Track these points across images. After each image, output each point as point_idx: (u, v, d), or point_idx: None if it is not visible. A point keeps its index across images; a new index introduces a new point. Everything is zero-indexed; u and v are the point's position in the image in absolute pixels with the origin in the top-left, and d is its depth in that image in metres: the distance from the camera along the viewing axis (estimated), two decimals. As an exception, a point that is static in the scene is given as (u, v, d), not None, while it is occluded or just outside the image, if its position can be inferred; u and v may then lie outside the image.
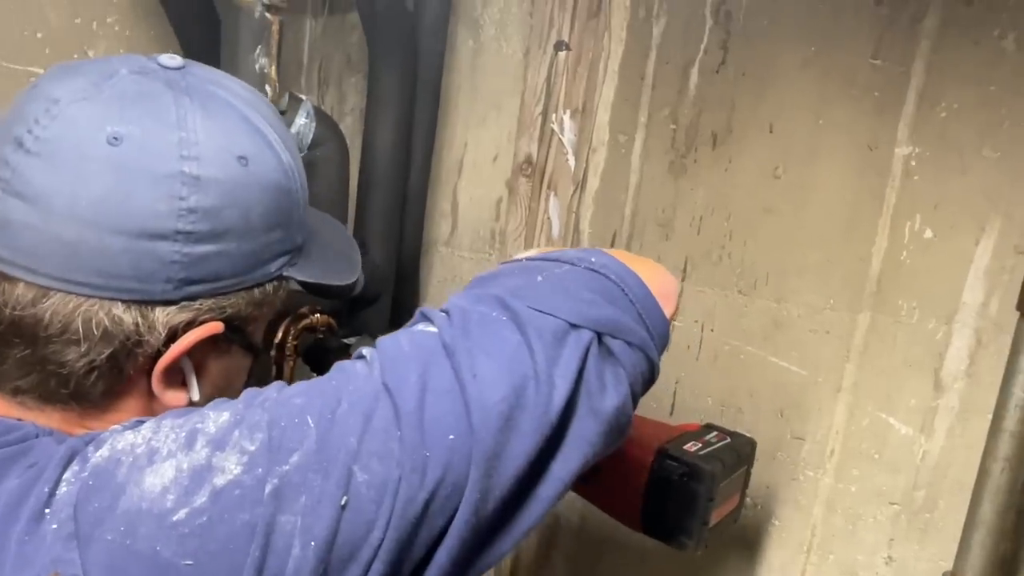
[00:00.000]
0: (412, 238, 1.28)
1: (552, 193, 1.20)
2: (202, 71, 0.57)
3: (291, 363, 1.14)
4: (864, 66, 0.95)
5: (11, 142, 0.50)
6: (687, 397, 1.12)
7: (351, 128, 1.43)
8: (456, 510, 0.49)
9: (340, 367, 0.53)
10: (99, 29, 1.25)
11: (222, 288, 0.55)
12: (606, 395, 0.54)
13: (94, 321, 0.51)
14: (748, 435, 0.90)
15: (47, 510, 0.46)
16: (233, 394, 0.60)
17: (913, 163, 0.93)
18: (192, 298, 0.53)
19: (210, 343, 0.56)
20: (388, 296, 1.21)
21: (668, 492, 0.80)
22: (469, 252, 1.35)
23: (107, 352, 0.52)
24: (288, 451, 0.47)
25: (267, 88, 0.95)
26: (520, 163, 1.23)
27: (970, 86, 0.89)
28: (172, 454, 0.47)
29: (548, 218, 1.21)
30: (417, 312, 0.58)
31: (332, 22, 1.51)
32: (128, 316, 0.51)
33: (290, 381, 0.79)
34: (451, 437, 0.48)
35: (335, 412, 0.48)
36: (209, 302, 0.54)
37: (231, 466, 0.46)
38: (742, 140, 1.04)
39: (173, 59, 0.56)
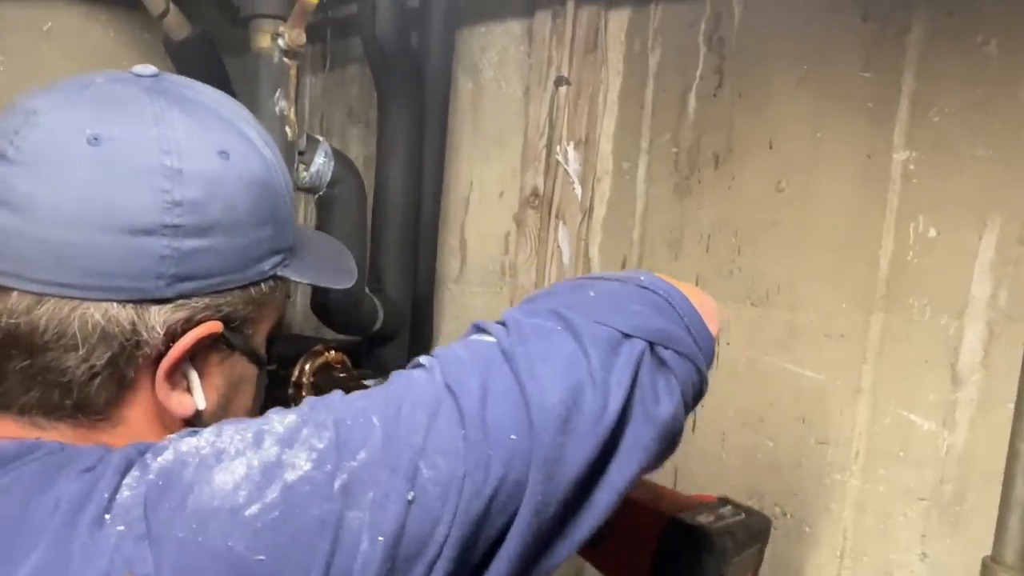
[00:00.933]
0: (426, 276, 1.30)
1: (561, 222, 1.23)
2: (176, 78, 0.58)
3: (310, 401, 1.15)
4: (856, 79, 1.00)
5: None
6: (708, 412, 1.13)
7: (355, 176, 1.47)
8: (517, 510, 0.49)
9: (398, 374, 0.55)
10: (109, 90, 1.28)
11: (216, 286, 0.55)
12: (660, 402, 0.56)
13: (90, 323, 0.51)
14: (763, 513, 0.88)
15: (107, 515, 0.46)
16: (242, 408, 0.61)
17: (912, 167, 0.97)
18: (187, 296, 0.53)
19: (211, 346, 0.56)
20: (406, 333, 1.22)
21: (677, 563, 0.79)
22: (480, 287, 1.37)
23: (107, 356, 0.52)
24: (355, 448, 0.48)
25: (287, 129, 0.99)
26: (527, 196, 1.27)
27: (959, 91, 0.93)
28: (241, 452, 0.48)
29: (558, 247, 1.24)
30: (471, 326, 0.59)
31: (332, 78, 1.56)
32: (124, 315, 0.51)
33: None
34: (513, 437, 0.50)
35: (399, 412, 0.50)
36: (204, 300, 0.54)
37: (301, 462, 0.47)
38: (743, 158, 1.08)
39: (147, 68, 0.57)
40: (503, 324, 0.57)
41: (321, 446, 0.48)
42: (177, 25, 1.17)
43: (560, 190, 1.23)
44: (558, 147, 1.22)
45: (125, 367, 0.53)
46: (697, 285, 1.12)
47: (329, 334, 1.28)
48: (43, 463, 0.50)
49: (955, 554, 0.96)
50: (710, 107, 1.11)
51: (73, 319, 0.51)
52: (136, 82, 0.55)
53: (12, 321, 0.51)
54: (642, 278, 0.62)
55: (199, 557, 0.44)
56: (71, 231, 0.50)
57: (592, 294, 0.60)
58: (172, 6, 1.15)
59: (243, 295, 0.57)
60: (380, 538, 0.46)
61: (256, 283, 0.58)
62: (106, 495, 0.47)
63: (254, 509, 0.45)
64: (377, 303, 1.11)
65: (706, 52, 1.11)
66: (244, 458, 0.47)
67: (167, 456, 0.48)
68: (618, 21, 1.18)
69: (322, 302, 1.12)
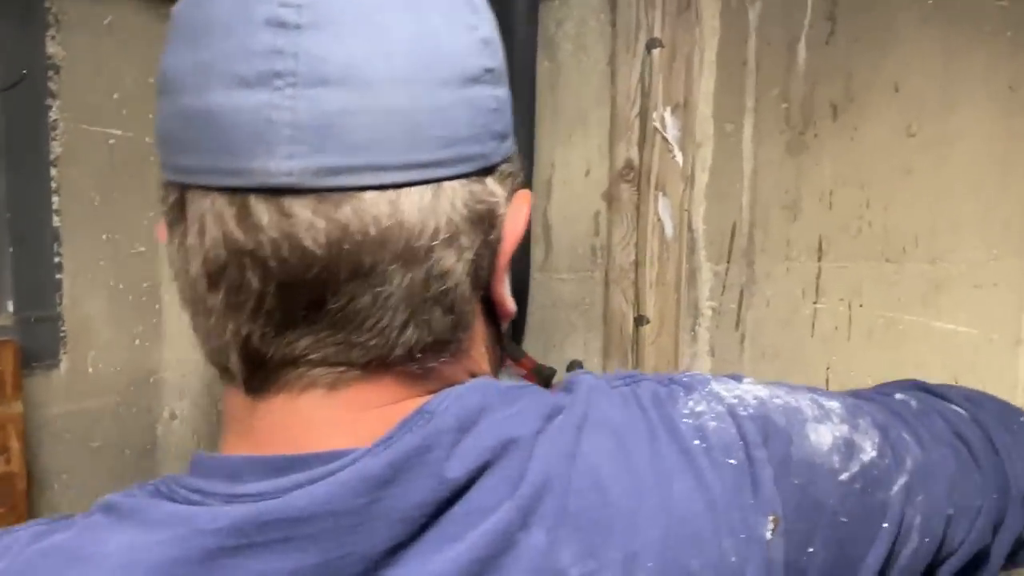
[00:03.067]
0: (522, 262, 1.23)
1: (660, 194, 1.16)
2: None
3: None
4: (991, 8, 0.93)
5: (264, 28, 0.38)
6: (843, 381, 1.05)
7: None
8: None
9: (903, 400, 0.59)
10: (171, 88, 1.22)
11: (512, 146, 0.46)
12: None
13: (458, 205, 0.41)
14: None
15: (698, 442, 0.46)
16: None
17: (1064, 94, 0.90)
18: (505, 160, 0.45)
19: None
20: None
21: None
22: (568, 273, 1.30)
23: (478, 244, 0.43)
24: (902, 456, 0.52)
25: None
26: (620, 169, 1.20)
27: (1114, 8, 0.87)
28: (820, 420, 0.49)
29: (659, 220, 1.16)
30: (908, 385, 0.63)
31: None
32: (480, 189, 0.42)
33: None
34: (994, 496, 0.56)
35: (922, 438, 0.55)
36: (509, 166, 0.46)
37: (868, 448, 0.50)
38: (866, 106, 1.02)
39: None
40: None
41: (877, 440, 0.51)
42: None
43: (658, 160, 1.16)
44: (654, 114, 1.15)
45: (486, 258, 0.44)
46: (820, 247, 1.05)
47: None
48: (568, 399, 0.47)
49: None
50: (823, 56, 1.04)
51: (440, 205, 0.41)
52: None
53: (380, 230, 0.39)
54: None
55: (805, 506, 0.47)
56: (413, 91, 0.39)
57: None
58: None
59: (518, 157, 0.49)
60: (927, 539, 0.51)
61: None
62: (677, 424, 0.47)
63: (844, 476, 0.48)
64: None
65: (814, -1, 1.05)
66: (827, 426, 0.49)
67: (744, 397, 0.49)
68: (711, -23, 1.12)
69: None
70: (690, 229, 1.16)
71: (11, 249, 1.09)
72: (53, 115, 1.10)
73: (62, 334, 1.12)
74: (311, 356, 0.42)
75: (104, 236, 1.16)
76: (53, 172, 1.10)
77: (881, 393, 0.61)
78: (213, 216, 0.40)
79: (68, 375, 1.14)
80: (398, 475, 0.40)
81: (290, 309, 0.41)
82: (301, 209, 0.39)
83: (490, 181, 0.44)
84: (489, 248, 0.44)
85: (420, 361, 0.44)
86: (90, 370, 1.16)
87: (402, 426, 0.42)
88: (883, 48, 1.00)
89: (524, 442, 0.43)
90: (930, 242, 0.98)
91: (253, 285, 0.40)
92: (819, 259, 1.05)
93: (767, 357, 1.10)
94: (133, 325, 1.20)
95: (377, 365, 0.43)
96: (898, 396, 0.60)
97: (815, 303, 1.06)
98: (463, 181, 0.42)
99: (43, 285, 1.11)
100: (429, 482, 0.41)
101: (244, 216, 0.39)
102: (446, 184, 0.41)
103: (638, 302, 1.18)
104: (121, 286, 1.18)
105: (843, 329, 1.05)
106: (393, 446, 0.41)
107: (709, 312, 1.15)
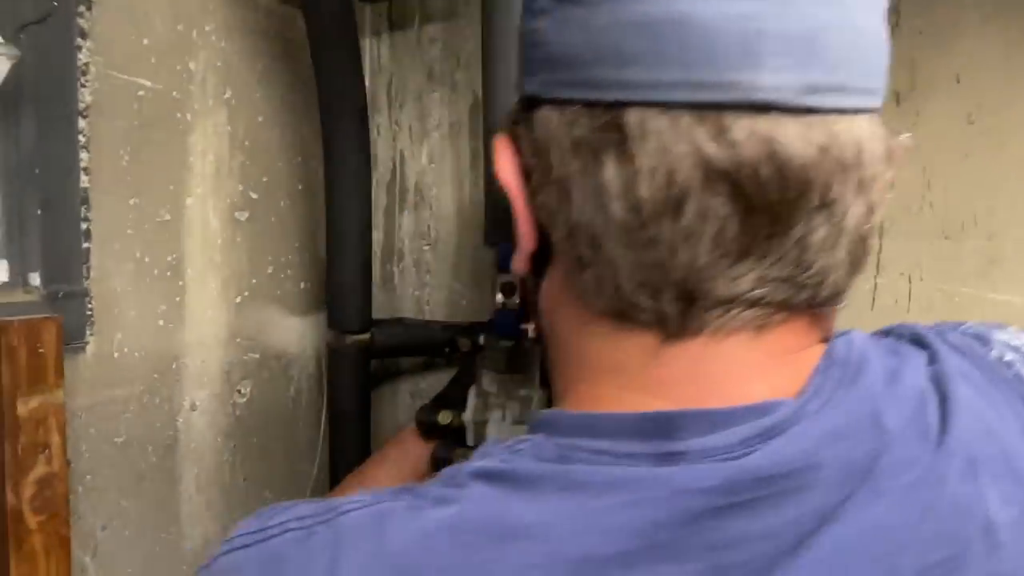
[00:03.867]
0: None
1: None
2: None
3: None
4: (1049, 10, 1.04)
5: None
6: (902, 351, 1.13)
7: (440, 145, 1.35)
8: None
9: None
10: (199, 39, 1.09)
11: None
12: None
13: (883, 136, 0.40)
14: None
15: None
16: None
17: (1115, 89, 1.02)
18: None
19: None
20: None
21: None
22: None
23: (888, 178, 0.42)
24: None
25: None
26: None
27: None
28: None
29: (719, 198, 1.19)
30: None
31: (402, 39, 1.42)
32: (882, 129, 0.41)
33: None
34: None
35: None
36: None
37: None
38: (928, 94, 1.09)
39: None
40: None
41: None
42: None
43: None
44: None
45: None
46: (882, 225, 1.12)
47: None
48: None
49: None
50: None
51: (877, 134, 0.40)
52: None
53: (851, 155, 0.38)
54: None
55: None
56: (872, 15, 0.39)
57: None
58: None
59: None
60: None
61: None
62: (1002, 373, 0.47)
63: None
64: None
65: (879, -9, 1.11)
66: None
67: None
68: (774, -36, 1.16)
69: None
70: (747, 208, 1.19)
71: (39, 212, 0.93)
72: (83, 58, 0.95)
73: (89, 312, 0.97)
74: (751, 294, 0.40)
75: (132, 201, 1.02)
76: (82, 124, 0.95)
77: None
78: (677, 134, 0.37)
79: (95, 360, 0.99)
80: (850, 428, 0.40)
81: (750, 239, 0.39)
82: (782, 128, 0.37)
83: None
84: None
85: (831, 304, 0.43)
86: (116, 354, 1.01)
87: (822, 375, 0.42)
88: (945, 42, 1.08)
89: (928, 392, 0.44)
90: (987, 221, 1.08)
91: (719, 210, 0.38)
92: (880, 236, 1.12)
93: (825, 330, 1.16)
94: (157, 303, 1.06)
95: (803, 307, 0.41)
96: None
97: (876, 277, 1.13)
98: (878, 113, 0.41)
99: (70, 255, 0.96)
100: (872, 433, 0.41)
101: (718, 133, 0.37)
102: (875, 114, 0.41)
103: (695, 279, 1.20)
104: (147, 259, 1.05)
105: (903, 302, 1.12)
106: (834, 399, 0.41)
107: (766, 288, 1.19)
